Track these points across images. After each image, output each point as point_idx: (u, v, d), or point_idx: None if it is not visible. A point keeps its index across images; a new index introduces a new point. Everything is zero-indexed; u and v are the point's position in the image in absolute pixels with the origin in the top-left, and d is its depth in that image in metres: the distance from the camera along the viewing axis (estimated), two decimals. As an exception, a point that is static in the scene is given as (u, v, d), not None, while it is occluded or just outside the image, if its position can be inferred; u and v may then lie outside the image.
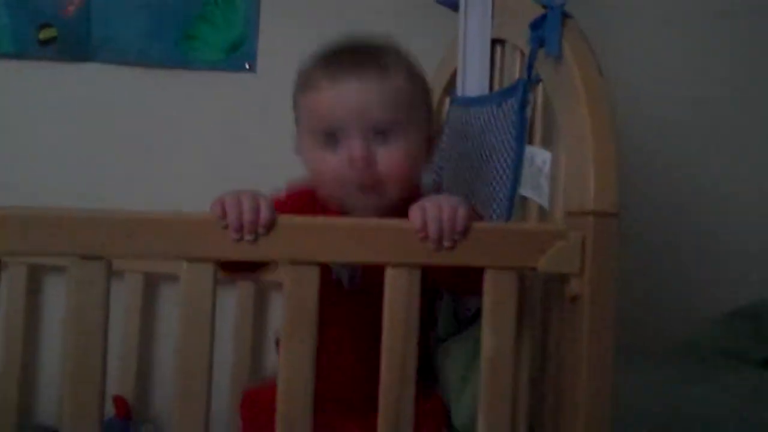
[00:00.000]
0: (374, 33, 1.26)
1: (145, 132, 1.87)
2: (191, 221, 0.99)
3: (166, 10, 1.85)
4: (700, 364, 1.67)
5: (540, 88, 1.24)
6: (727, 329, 1.79)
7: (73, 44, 1.84)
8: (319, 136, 1.17)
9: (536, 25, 1.18)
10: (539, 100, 1.24)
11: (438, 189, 1.40)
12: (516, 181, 1.25)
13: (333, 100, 1.15)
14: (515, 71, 1.36)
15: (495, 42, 1.47)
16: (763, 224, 2.03)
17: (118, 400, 1.74)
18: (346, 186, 1.16)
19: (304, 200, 1.23)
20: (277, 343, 1.35)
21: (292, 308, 1.00)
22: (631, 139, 1.87)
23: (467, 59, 1.50)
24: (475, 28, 1.48)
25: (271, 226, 0.98)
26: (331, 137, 1.16)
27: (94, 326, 0.98)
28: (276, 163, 1.25)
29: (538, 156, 1.20)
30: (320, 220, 1.03)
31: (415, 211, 1.02)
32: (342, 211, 1.22)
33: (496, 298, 1.03)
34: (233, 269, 1.13)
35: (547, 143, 1.21)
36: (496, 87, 1.46)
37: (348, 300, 1.15)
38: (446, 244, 1.00)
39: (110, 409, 1.69)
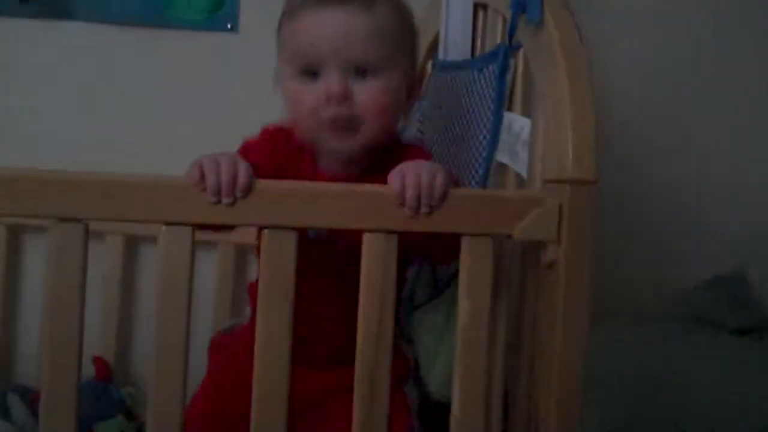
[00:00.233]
0: None
1: (126, 91, 1.86)
2: (169, 184, 0.99)
3: (148, -31, 1.84)
4: (676, 330, 1.69)
5: (521, 54, 1.24)
6: (704, 297, 1.82)
7: (53, 3, 1.81)
8: (298, 68, 1.15)
9: (518, -9, 1.18)
10: (520, 67, 1.24)
11: (421, 144, 1.38)
12: (493, 147, 1.25)
13: (315, 32, 1.13)
14: (497, 36, 1.35)
15: (477, 6, 1.46)
16: (742, 193, 2.05)
17: (98, 361, 1.74)
18: (321, 122, 1.14)
19: (279, 140, 1.22)
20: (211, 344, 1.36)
21: (268, 272, 1.00)
22: (610, 107, 1.87)
23: (449, 23, 1.50)
24: (457, -9, 1.48)
25: (248, 189, 0.98)
26: (310, 70, 1.14)
27: (73, 288, 0.98)
28: (258, 124, 1.24)
29: (516, 123, 1.20)
30: (298, 184, 1.03)
31: (393, 176, 1.02)
32: (316, 152, 1.21)
33: (473, 264, 1.04)
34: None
35: (526, 110, 1.21)
36: (478, 51, 1.46)
37: (313, 251, 1.13)
38: (424, 210, 1.01)
39: (90, 370, 1.70)
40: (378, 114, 1.15)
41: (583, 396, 1.04)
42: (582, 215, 1.03)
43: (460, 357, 1.05)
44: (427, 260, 1.36)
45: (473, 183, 1.28)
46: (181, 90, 1.87)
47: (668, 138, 2.01)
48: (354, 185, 1.05)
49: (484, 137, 1.27)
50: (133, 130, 1.85)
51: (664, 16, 1.99)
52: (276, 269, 1.00)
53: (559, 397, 1.04)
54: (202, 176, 0.97)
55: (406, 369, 1.26)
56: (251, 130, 1.26)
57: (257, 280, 1.30)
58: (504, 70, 1.25)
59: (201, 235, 1.02)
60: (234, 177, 0.97)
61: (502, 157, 1.24)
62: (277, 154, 1.21)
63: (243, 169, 0.98)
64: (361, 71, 1.14)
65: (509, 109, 1.26)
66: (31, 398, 1.67)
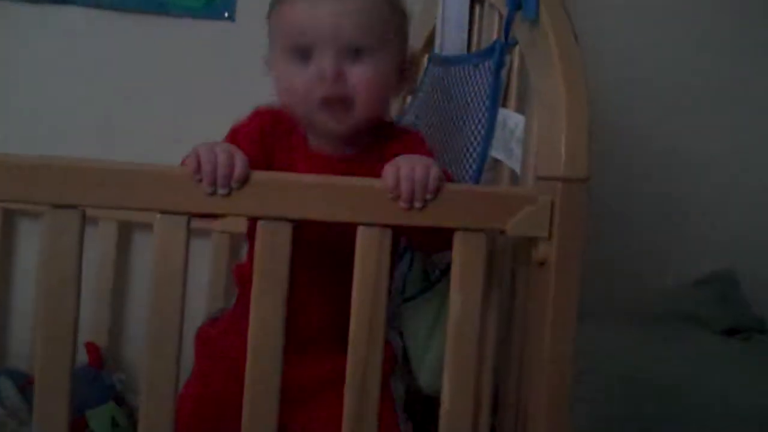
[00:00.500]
0: None
1: (121, 78, 1.86)
2: (165, 173, 0.99)
3: (146, -45, 1.84)
4: (663, 329, 1.71)
5: (517, 50, 1.24)
6: (692, 297, 1.83)
7: (52, -13, 1.82)
8: (290, 51, 1.15)
9: (514, -12, 1.19)
10: (515, 63, 1.25)
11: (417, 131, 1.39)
12: (487, 142, 1.26)
13: (306, 14, 1.13)
14: (493, 32, 1.36)
15: (474, 1, 1.47)
16: (731, 194, 2.06)
17: (91, 347, 1.75)
18: (314, 102, 1.14)
19: (269, 123, 1.22)
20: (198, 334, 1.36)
21: (263, 263, 1.01)
22: (604, 105, 1.88)
23: (446, 18, 1.50)
24: (454, -14, 1.48)
25: (244, 181, 0.99)
26: (302, 53, 1.14)
27: (67, 274, 0.99)
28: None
29: (510, 119, 1.21)
30: (293, 176, 1.04)
31: (387, 170, 1.03)
32: (307, 133, 1.22)
33: (465, 259, 1.05)
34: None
35: (522, 106, 1.22)
36: (474, 47, 1.47)
37: (303, 233, 1.14)
38: (417, 204, 1.01)
39: (83, 356, 1.71)
40: (370, 94, 1.15)
41: (572, 392, 1.05)
42: (574, 213, 1.04)
43: (450, 350, 1.06)
44: (415, 248, 1.36)
45: (467, 178, 1.28)
46: (178, 77, 1.87)
47: (658, 138, 2.02)
48: (349, 179, 1.05)
49: (479, 133, 1.28)
50: (130, 116, 1.86)
51: (659, 14, 2.00)
52: (270, 260, 1.01)
53: (548, 392, 1.05)
54: (199, 166, 0.98)
55: (392, 364, 1.27)
56: (247, 118, 1.26)
57: (244, 264, 1.31)
58: (500, 66, 1.26)
59: (195, 224, 1.02)
60: (230, 168, 0.98)
61: (496, 152, 1.25)
62: (267, 137, 1.21)
63: (239, 160, 0.99)
64: (354, 52, 1.14)
65: (504, 105, 1.26)
66: (22, 382, 1.67)
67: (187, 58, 1.88)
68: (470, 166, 1.29)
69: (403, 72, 1.24)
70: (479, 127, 1.28)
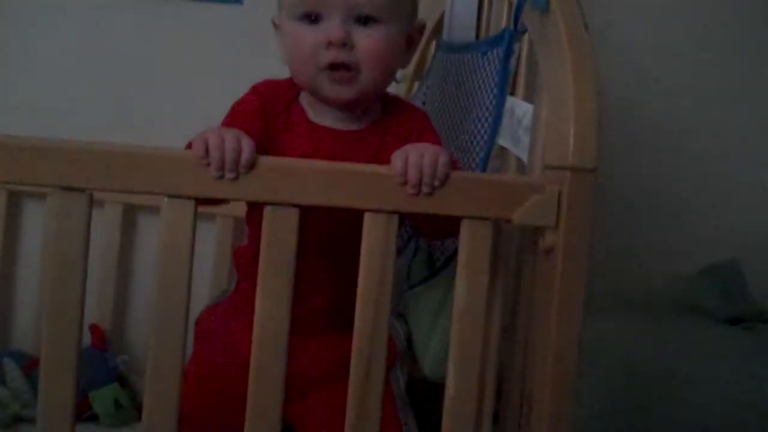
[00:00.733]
0: None
1: (129, 61, 1.87)
2: (173, 157, 0.99)
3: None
4: (668, 318, 1.71)
5: (526, 38, 1.24)
6: (696, 287, 1.83)
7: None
8: (299, 14, 1.15)
9: (525, -24, 1.18)
10: (524, 52, 1.25)
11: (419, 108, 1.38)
12: (495, 130, 1.26)
13: None
14: (502, 19, 1.35)
15: (484, -12, 1.46)
16: (737, 185, 2.06)
17: (95, 329, 1.75)
18: (320, 66, 1.14)
19: (267, 96, 1.22)
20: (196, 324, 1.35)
21: (269, 249, 1.01)
22: (612, 95, 1.87)
23: (455, 4, 1.50)
24: (464, -27, 1.48)
25: (251, 165, 0.99)
26: (311, 18, 1.14)
27: (74, 257, 0.99)
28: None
29: (518, 107, 1.20)
30: (301, 162, 1.03)
31: (396, 156, 1.03)
32: (309, 105, 1.21)
33: (471, 247, 1.04)
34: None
35: (530, 95, 1.21)
36: (483, 34, 1.46)
37: (306, 218, 1.14)
38: (425, 190, 1.01)
39: (86, 338, 1.71)
40: (377, 62, 1.14)
41: (576, 382, 1.05)
42: (581, 202, 1.03)
43: (455, 338, 1.06)
44: (421, 234, 1.36)
45: (474, 165, 1.28)
46: (186, 61, 1.87)
47: (665, 128, 2.02)
48: (356, 165, 1.05)
49: (487, 120, 1.28)
50: (137, 100, 1.86)
51: (672, 5, 2.00)
52: (277, 246, 1.01)
53: (553, 380, 1.05)
54: (206, 150, 0.98)
55: (392, 357, 1.27)
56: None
57: (244, 247, 1.31)
58: (509, 54, 1.26)
59: (201, 208, 1.02)
60: (238, 152, 0.98)
61: (503, 141, 1.25)
62: (267, 112, 1.20)
63: (247, 145, 0.99)
64: (363, 19, 1.13)
65: (512, 94, 1.26)
66: (26, 363, 1.68)
67: (196, 41, 1.88)
68: (477, 154, 1.28)
69: (410, 42, 1.23)
70: (487, 115, 1.28)
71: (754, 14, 2.04)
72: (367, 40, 1.13)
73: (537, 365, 1.09)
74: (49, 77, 1.85)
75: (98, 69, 1.85)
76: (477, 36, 1.47)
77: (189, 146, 1.03)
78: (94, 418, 1.65)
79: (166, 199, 1.00)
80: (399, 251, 1.33)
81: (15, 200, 1.84)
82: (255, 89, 1.23)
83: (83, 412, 1.62)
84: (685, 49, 2.02)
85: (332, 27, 1.12)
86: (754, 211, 2.06)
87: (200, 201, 1.01)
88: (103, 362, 1.71)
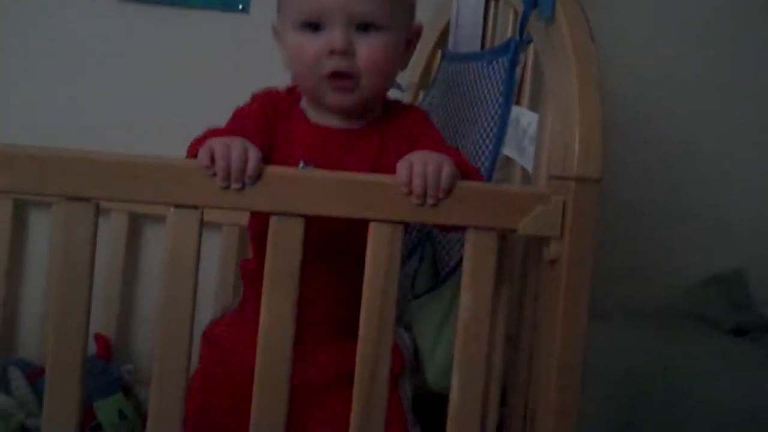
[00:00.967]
0: None
1: (135, 68, 1.87)
2: (179, 167, 1.00)
3: (161, -53, 1.84)
4: (673, 329, 1.70)
5: (531, 48, 1.24)
6: (700, 296, 1.83)
7: (66, -23, 1.82)
8: (300, 22, 1.16)
9: (530, -14, 1.18)
10: (530, 61, 1.25)
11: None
12: (500, 140, 1.26)
13: None
14: (508, 29, 1.36)
15: (489, -2, 1.47)
16: (742, 194, 2.05)
17: (100, 338, 1.75)
18: (322, 74, 1.15)
19: (268, 101, 1.24)
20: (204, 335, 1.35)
21: (274, 258, 1.01)
22: (618, 104, 1.87)
23: (461, 14, 1.50)
24: (470, -17, 1.48)
25: (258, 176, 0.99)
26: (313, 26, 1.15)
27: (80, 267, 0.99)
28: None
29: (524, 117, 1.20)
30: (306, 173, 1.04)
31: (401, 165, 1.03)
32: (310, 107, 1.22)
33: (476, 257, 1.04)
34: None
35: (535, 104, 1.21)
36: (488, 43, 1.47)
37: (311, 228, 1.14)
38: (430, 201, 1.01)
39: (92, 347, 1.71)
40: (378, 70, 1.16)
41: (581, 392, 1.05)
42: (586, 213, 1.03)
43: (460, 348, 1.06)
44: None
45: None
46: (192, 69, 1.87)
47: (669, 138, 2.01)
48: (361, 175, 1.05)
49: (492, 130, 1.28)
50: (143, 108, 1.86)
51: (677, 14, 2.00)
52: (282, 255, 1.01)
53: (557, 391, 1.05)
54: (213, 160, 0.98)
55: (401, 366, 1.27)
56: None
57: (250, 260, 1.31)
58: (514, 63, 1.26)
59: (206, 217, 1.02)
60: (244, 162, 0.98)
61: (508, 150, 1.25)
62: (269, 116, 1.22)
63: (253, 155, 0.99)
64: (364, 27, 1.15)
65: (517, 103, 1.26)
66: (31, 373, 1.68)
67: (201, 49, 1.88)
68: (482, 164, 1.29)
69: (409, 44, 1.25)
70: (492, 124, 1.28)
71: (760, 28, 2.04)
72: (368, 49, 1.14)
73: (541, 375, 1.09)
74: (52, 85, 1.85)
75: (102, 76, 1.85)
76: (482, 45, 1.47)
77: (191, 151, 1.04)
78: (98, 428, 1.65)
79: (171, 209, 1.00)
80: (403, 261, 1.32)
81: (21, 209, 1.84)
82: (255, 97, 1.25)
83: (88, 421, 1.61)
84: (692, 58, 2.01)
85: (334, 36, 1.13)
86: (760, 222, 2.06)
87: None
88: (108, 372, 1.70)
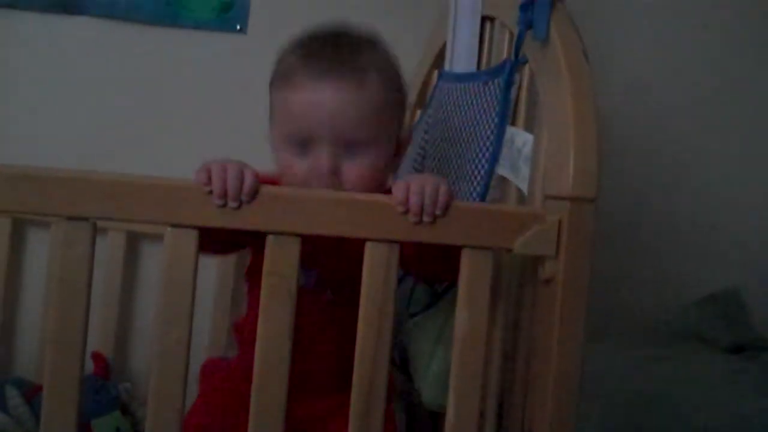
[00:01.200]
0: (359, 24, 1.25)
1: (132, 88, 1.88)
2: (176, 186, 1.00)
3: (158, -34, 1.85)
4: (670, 347, 1.70)
5: (526, 69, 1.25)
6: (698, 315, 1.83)
7: (65, -3, 1.83)
8: (289, 138, 1.17)
9: (526, 7, 1.19)
10: (525, 82, 1.26)
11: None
12: (495, 160, 1.27)
13: (307, 107, 1.15)
14: (503, 50, 1.36)
15: (485, 19, 1.47)
16: (738, 212, 2.06)
17: (97, 356, 1.76)
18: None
19: None
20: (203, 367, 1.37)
21: (270, 278, 1.02)
22: (615, 123, 1.89)
23: (457, 35, 1.51)
24: (466, 3, 1.49)
25: (254, 194, 1.00)
26: (300, 141, 1.16)
27: (78, 286, 0.99)
28: (262, 127, 1.26)
29: (518, 137, 1.21)
30: (303, 191, 1.05)
31: (398, 185, 1.04)
32: None
33: (472, 277, 1.05)
34: (211, 248, 1.15)
35: (530, 125, 1.22)
36: (484, 63, 1.48)
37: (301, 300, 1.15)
38: (426, 219, 1.02)
39: (89, 366, 1.71)
40: (364, 187, 1.16)
41: (577, 411, 1.05)
42: (581, 232, 1.04)
43: (456, 366, 1.06)
44: (420, 277, 1.37)
45: (474, 195, 1.29)
46: (190, 90, 1.88)
47: (664, 156, 2.03)
48: (358, 194, 1.07)
49: (487, 150, 1.28)
50: (140, 129, 1.87)
51: (671, 35, 2.01)
52: (278, 275, 1.01)
53: (553, 410, 1.05)
54: (209, 180, 0.99)
55: (392, 387, 1.27)
56: (258, 131, 1.27)
57: (245, 318, 1.32)
58: (509, 84, 1.27)
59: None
60: (240, 181, 0.99)
61: (503, 171, 1.26)
62: None
63: (249, 174, 1.00)
64: (351, 146, 1.16)
65: (513, 123, 1.27)
66: (29, 391, 1.68)
67: (199, 70, 1.89)
68: (477, 183, 1.29)
69: (398, 151, 1.26)
70: (488, 144, 1.29)
71: (759, 37, 2.05)
72: (355, 169, 1.16)
73: (538, 394, 1.09)
74: (51, 105, 1.85)
75: (99, 96, 1.86)
76: (478, 66, 1.48)
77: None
78: (96, 446, 1.65)
79: (169, 229, 1.01)
80: (399, 279, 1.33)
81: (20, 228, 1.85)
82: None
83: (85, 440, 1.62)
84: (687, 76, 2.03)
85: (321, 157, 1.15)
86: (757, 239, 2.06)
87: (203, 246, 1.02)
88: (105, 390, 1.71)
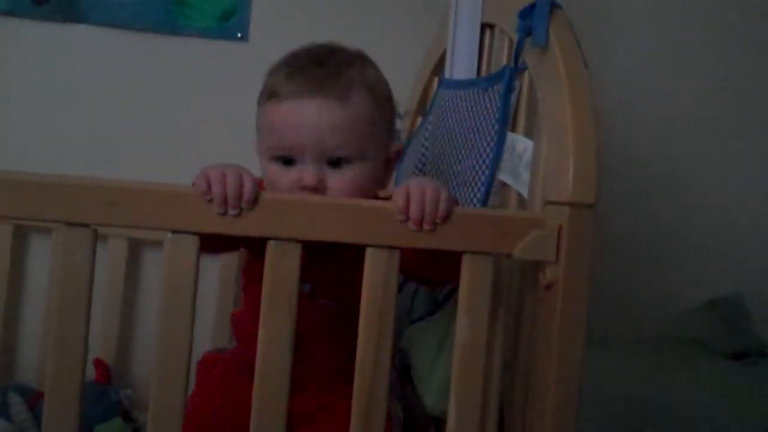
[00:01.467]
0: (347, 42, 1.26)
1: (133, 97, 1.88)
2: (176, 193, 1.00)
3: (159, -25, 1.86)
4: (671, 354, 1.70)
5: (526, 76, 1.25)
6: (698, 321, 1.83)
7: (65, 5, 1.83)
8: (274, 151, 1.18)
9: (525, 14, 1.19)
10: (524, 88, 1.26)
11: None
12: (495, 166, 1.27)
13: (292, 123, 1.16)
14: (503, 56, 1.37)
15: (485, 26, 1.48)
16: (738, 218, 2.06)
17: (99, 363, 1.76)
18: None
19: None
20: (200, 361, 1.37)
21: (271, 284, 1.02)
22: (614, 130, 1.89)
23: (456, 42, 1.52)
24: (465, 11, 1.49)
25: (254, 201, 1.00)
26: (285, 157, 1.17)
27: (79, 292, 1.00)
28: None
29: (519, 143, 1.22)
30: (303, 197, 1.05)
31: (398, 192, 1.04)
32: None
33: (472, 282, 1.05)
34: (213, 248, 1.15)
35: (530, 131, 1.22)
36: (484, 70, 1.48)
37: (309, 307, 1.15)
38: (426, 227, 1.02)
39: (90, 372, 1.71)
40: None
41: (578, 417, 1.05)
42: (581, 237, 1.04)
43: (457, 372, 1.07)
44: (420, 281, 1.37)
45: (475, 201, 1.29)
46: (191, 97, 1.89)
47: (664, 163, 2.03)
48: (359, 200, 1.07)
49: (488, 156, 1.29)
50: (141, 136, 1.87)
51: (670, 42, 2.01)
52: (279, 281, 1.02)
53: (554, 416, 1.05)
54: (209, 186, 0.99)
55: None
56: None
57: (241, 312, 1.33)
58: (509, 90, 1.27)
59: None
60: (240, 188, 0.99)
61: (504, 176, 1.26)
62: None
63: (249, 180, 1.00)
64: (336, 161, 1.16)
65: (513, 130, 1.27)
66: (31, 397, 1.68)
67: (201, 78, 1.89)
68: (478, 189, 1.29)
69: (389, 161, 1.27)
70: (488, 150, 1.29)
71: (757, 47, 2.05)
72: (339, 184, 1.16)
73: (538, 400, 1.09)
74: (52, 112, 1.86)
75: (101, 104, 1.87)
76: (478, 73, 1.48)
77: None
78: (97, 452, 1.65)
79: (170, 235, 1.01)
80: (400, 287, 1.34)
81: (21, 235, 1.85)
82: None
83: (87, 446, 1.62)
84: (686, 83, 2.03)
85: (305, 172, 1.15)
86: (757, 245, 2.06)
87: (202, 247, 1.02)
88: (106, 396, 1.71)
